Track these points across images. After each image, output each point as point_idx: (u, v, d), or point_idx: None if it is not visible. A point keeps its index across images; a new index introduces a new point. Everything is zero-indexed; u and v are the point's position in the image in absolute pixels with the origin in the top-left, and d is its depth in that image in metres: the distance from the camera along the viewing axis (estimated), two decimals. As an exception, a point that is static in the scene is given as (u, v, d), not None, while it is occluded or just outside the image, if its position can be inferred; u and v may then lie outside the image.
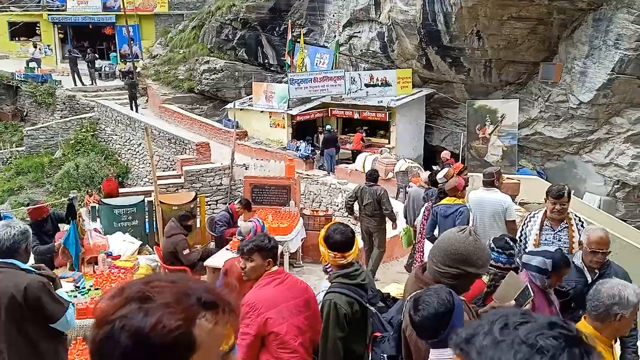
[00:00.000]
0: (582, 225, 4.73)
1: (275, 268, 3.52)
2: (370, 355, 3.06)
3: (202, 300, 1.01)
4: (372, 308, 3.29)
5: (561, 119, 16.99)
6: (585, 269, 4.03)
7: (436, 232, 6.13)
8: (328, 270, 3.74)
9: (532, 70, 17.63)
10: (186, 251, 7.78)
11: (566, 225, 4.75)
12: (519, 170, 17.03)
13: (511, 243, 3.70)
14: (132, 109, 22.14)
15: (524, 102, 17.74)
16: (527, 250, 3.79)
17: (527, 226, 4.93)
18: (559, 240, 4.75)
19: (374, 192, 8.48)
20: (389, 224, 8.94)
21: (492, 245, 3.67)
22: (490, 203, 6.01)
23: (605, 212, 14.75)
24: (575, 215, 4.81)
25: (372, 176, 8.79)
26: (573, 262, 4.02)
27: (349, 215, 9.38)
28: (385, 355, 2.83)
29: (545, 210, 4.86)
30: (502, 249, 3.65)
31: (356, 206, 8.82)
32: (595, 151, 16.59)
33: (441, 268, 2.50)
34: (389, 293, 3.97)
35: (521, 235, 4.93)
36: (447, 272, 2.48)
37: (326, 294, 3.37)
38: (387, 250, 9.81)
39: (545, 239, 4.80)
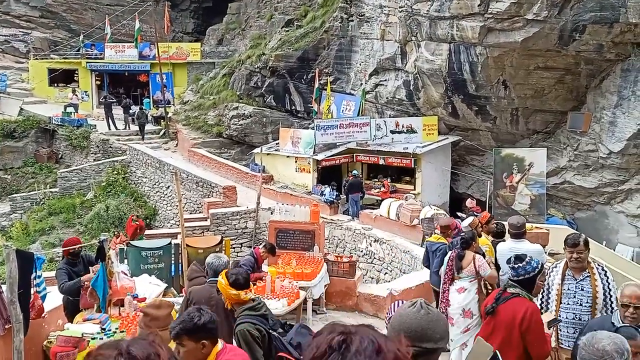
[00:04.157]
0: (605, 274, 4.61)
1: (220, 346, 3.09)
2: None
3: None
4: (274, 333, 4.04)
5: (591, 169, 16.74)
6: None
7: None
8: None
9: (560, 119, 17.55)
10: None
11: (588, 274, 4.65)
12: (548, 220, 16.71)
13: (519, 261, 4.18)
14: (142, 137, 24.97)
15: (552, 150, 17.59)
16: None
17: (549, 276, 4.84)
18: (582, 290, 4.65)
19: None
20: None
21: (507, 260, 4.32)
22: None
23: (639, 264, 14.26)
24: (599, 265, 4.71)
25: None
26: (612, 323, 3.89)
27: None
28: None
29: (567, 260, 4.79)
30: (512, 263, 4.18)
31: None
32: (627, 201, 16.22)
33: None
34: (286, 321, 4.78)
35: (544, 286, 4.83)
36: None
37: (236, 325, 4.06)
38: (413, 298, 9.62)
39: (568, 289, 4.71)
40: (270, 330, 4.06)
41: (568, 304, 4.70)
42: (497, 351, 3.08)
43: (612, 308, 4.50)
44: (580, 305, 4.64)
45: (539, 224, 13.40)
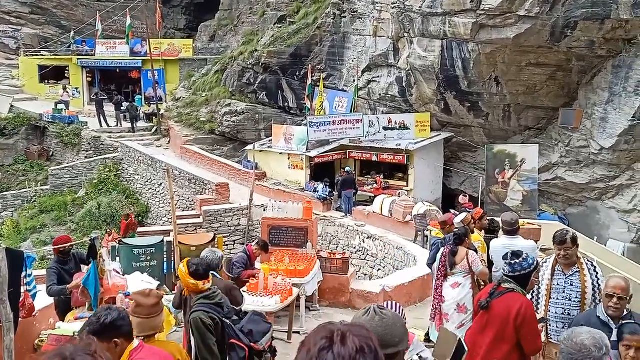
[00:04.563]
0: (594, 270, 4.64)
1: (135, 344, 2.98)
2: (227, 357, 4.11)
3: None
4: (227, 321, 4.24)
5: (582, 164, 16.84)
6: (611, 321, 3.94)
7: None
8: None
9: (552, 116, 17.63)
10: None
11: (578, 270, 4.70)
12: (539, 215, 16.80)
13: (516, 257, 4.27)
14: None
15: (544, 146, 17.66)
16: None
17: (540, 271, 4.88)
18: (571, 285, 4.70)
19: None
20: None
21: (503, 257, 4.38)
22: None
23: (630, 259, 14.37)
24: (588, 260, 4.75)
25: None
26: (598, 317, 3.97)
27: None
28: None
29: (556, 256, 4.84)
30: (508, 259, 4.26)
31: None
32: (618, 197, 16.33)
33: None
34: (241, 309, 5.06)
35: None
36: None
37: (191, 313, 4.21)
38: (405, 296, 9.66)
39: (558, 284, 4.76)
40: (224, 319, 4.24)
41: (557, 299, 4.74)
42: (460, 338, 3.14)
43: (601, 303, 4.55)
44: (570, 300, 4.69)
45: (531, 220, 13.45)
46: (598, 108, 15.91)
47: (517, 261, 4.18)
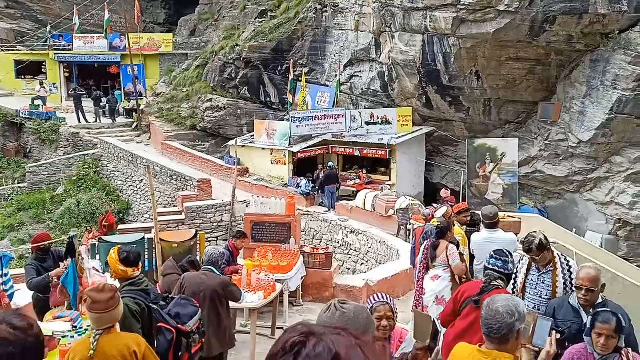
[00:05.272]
0: (569, 270, 4.69)
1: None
2: (155, 341, 4.26)
3: None
4: (154, 306, 4.37)
5: (561, 158, 17.08)
6: (582, 309, 4.00)
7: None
8: None
9: (531, 110, 17.83)
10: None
11: (551, 268, 4.73)
12: (520, 208, 17.00)
13: (507, 252, 4.50)
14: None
15: (523, 140, 17.87)
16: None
17: (518, 265, 4.94)
18: (543, 282, 4.75)
19: None
20: None
21: (492, 252, 4.52)
22: (502, 242, 6.06)
23: (607, 251, 14.65)
24: (565, 259, 4.77)
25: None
26: (569, 303, 4.07)
27: None
28: None
29: None
30: (500, 255, 4.42)
31: None
32: (596, 190, 16.60)
33: None
34: (168, 295, 5.20)
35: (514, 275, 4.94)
36: None
37: None
38: (388, 290, 9.70)
39: (531, 280, 4.81)
40: (151, 304, 4.37)
41: (530, 294, 4.82)
42: (435, 319, 3.24)
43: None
44: (540, 297, 4.75)
45: (512, 213, 13.63)
46: (576, 102, 16.13)
47: (509, 260, 4.38)
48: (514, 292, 4.91)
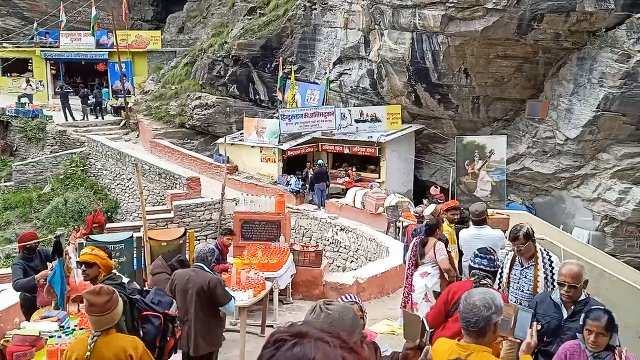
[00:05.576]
0: (550, 265, 4.72)
1: None
2: (141, 330, 4.39)
3: None
4: (137, 296, 4.55)
5: (548, 155, 17.22)
6: (563, 305, 4.03)
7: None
8: None
9: (519, 107, 17.95)
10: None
11: (533, 263, 4.77)
12: (508, 205, 17.13)
13: (491, 250, 4.59)
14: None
15: (511, 137, 17.99)
16: None
17: (504, 260, 5.02)
18: (525, 277, 4.79)
19: None
20: None
21: (476, 251, 4.57)
22: (489, 239, 6.10)
23: (594, 247, 14.80)
24: (547, 254, 4.81)
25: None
26: (550, 297, 4.10)
27: None
28: None
29: None
30: (484, 253, 4.48)
31: None
32: (583, 186, 16.76)
33: None
34: (142, 288, 5.31)
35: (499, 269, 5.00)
36: None
37: None
38: (378, 287, 9.74)
39: (515, 274, 4.86)
40: (131, 296, 4.49)
41: (513, 288, 4.87)
42: (423, 319, 3.27)
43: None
44: (522, 291, 4.80)
45: (500, 210, 13.72)
46: (563, 99, 16.26)
47: (493, 257, 4.45)
48: (499, 288, 4.95)
